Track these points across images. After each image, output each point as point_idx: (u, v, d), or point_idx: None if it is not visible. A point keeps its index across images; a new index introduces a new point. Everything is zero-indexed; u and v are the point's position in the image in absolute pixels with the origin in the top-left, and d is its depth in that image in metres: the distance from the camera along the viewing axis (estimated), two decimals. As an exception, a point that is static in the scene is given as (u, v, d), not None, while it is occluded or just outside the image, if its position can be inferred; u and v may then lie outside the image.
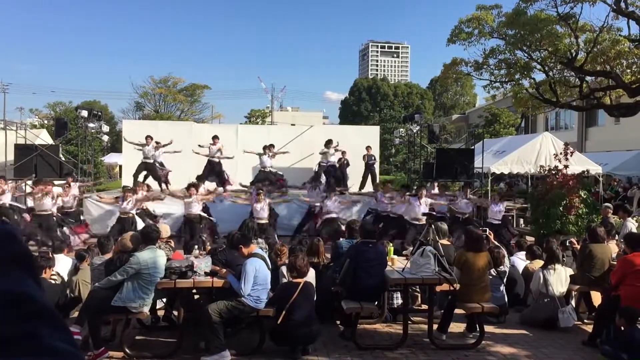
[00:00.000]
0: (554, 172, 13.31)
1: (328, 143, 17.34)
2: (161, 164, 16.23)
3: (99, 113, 20.39)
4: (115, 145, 38.05)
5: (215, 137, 16.44)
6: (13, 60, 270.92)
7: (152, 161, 16.01)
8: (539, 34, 15.21)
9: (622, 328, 6.19)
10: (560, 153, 13.50)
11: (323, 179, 16.48)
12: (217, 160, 16.34)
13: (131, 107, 58.95)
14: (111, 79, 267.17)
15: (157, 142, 16.17)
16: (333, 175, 16.78)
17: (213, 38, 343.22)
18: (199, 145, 16.31)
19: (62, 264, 8.26)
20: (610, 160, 23.36)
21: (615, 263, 7.39)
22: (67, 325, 0.65)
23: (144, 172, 16.02)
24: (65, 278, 8.00)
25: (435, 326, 6.73)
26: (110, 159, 38.14)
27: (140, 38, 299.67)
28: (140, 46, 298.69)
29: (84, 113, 18.51)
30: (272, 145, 16.78)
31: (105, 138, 22.10)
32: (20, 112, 62.19)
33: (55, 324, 0.63)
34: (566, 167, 13.20)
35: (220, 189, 15.82)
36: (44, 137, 19.68)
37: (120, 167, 25.09)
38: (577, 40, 14.98)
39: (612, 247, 8.45)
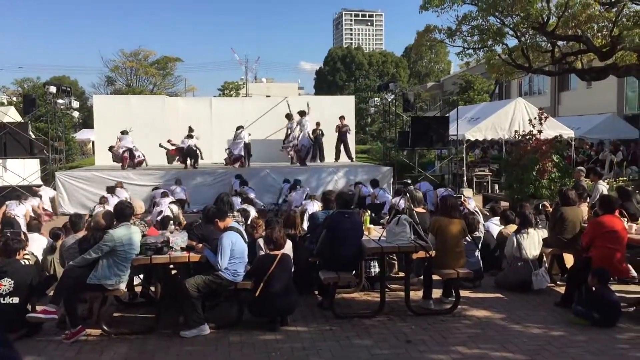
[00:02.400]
0: (527, 137, 13.44)
1: (302, 114, 17.32)
2: (135, 148, 16.27)
3: (68, 89, 19.95)
4: (87, 122, 37.34)
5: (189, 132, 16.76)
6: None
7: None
8: (510, -1, 15.13)
9: (594, 288, 6.35)
10: (535, 118, 13.61)
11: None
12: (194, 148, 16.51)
13: (102, 82, 57.78)
14: (80, 53, 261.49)
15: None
16: (309, 151, 16.86)
17: (183, 9, 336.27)
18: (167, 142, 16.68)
19: (37, 243, 8.15)
20: (582, 124, 23.66)
21: (586, 225, 7.53)
22: None
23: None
24: (40, 257, 7.91)
25: (412, 293, 6.81)
26: (82, 135, 37.44)
27: (109, 8, 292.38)
28: (109, 18, 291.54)
29: (53, 89, 18.08)
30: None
31: (76, 114, 21.68)
32: (-12, 90, 60.38)
33: None
34: (540, 132, 13.33)
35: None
36: (12, 115, 19.19)
37: (93, 143, 24.65)
38: (548, 4, 14.94)
39: (584, 210, 8.59)
